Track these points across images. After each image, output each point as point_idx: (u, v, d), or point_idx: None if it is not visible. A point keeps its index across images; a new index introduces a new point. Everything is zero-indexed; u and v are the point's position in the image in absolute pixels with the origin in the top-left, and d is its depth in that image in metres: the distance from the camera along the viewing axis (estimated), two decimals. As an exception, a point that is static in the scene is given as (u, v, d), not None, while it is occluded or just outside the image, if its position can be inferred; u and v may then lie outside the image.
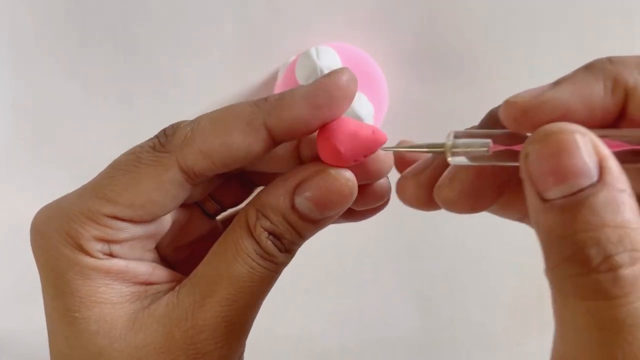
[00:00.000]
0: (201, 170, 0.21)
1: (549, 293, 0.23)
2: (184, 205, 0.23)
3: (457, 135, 0.20)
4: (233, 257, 0.21)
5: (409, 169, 0.22)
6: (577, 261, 0.16)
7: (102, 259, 0.21)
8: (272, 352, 0.47)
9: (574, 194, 0.16)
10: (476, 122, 0.21)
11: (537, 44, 0.43)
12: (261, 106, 0.20)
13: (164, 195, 0.21)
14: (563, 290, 0.16)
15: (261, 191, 0.22)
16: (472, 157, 0.19)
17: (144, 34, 0.43)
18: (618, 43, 0.43)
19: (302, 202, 0.21)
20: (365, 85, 0.42)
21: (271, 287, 0.22)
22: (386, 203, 0.23)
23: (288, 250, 0.22)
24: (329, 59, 0.39)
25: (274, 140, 0.21)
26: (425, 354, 0.48)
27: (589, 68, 0.18)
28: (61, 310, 0.21)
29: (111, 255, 0.21)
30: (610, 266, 0.15)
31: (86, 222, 0.21)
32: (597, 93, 0.18)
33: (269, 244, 0.21)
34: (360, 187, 0.21)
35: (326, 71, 0.38)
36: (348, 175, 0.21)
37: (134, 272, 0.22)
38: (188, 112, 0.23)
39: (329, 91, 0.20)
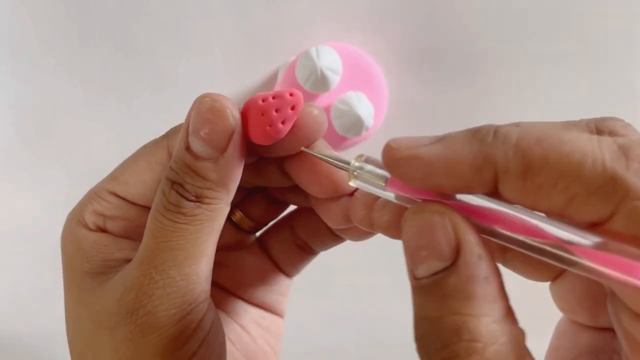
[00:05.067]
0: None
1: (549, 294, 0.23)
2: None
3: (368, 160, 0.19)
4: (149, 216, 0.21)
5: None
6: (422, 347, 0.15)
7: (93, 230, 0.23)
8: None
9: (431, 275, 0.16)
10: (476, 123, 0.21)
11: (537, 44, 0.43)
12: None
13: (153, 176, 0.22)
14: None
15: None
16: (373, 186, 0.19)
17: (143, 34, 0.43)
18: (618, 43, 0.42)
19: (193, 140, 0.20)
20: (365, 85, 0.42)
21: (202, 241, 0.21)
22: (369, 234, 0.23)
23: (198, 197, 0.20)
24: (329, 59, 0.39)
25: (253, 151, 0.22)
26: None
27: (473, 135, 0.17)
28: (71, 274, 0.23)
29: (105, 230, 0.23)
30: (446, 356, 0.15)
31: (94, 198, 0.23)
32: (465, 164, 0.16)
33: (172, 193, 0.20)
34: (305, 165, 0.22)
35: (326, 71, 0.39)
36: (212, 95, 0.20)
37: (115, 246, 0.23)
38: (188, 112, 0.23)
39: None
